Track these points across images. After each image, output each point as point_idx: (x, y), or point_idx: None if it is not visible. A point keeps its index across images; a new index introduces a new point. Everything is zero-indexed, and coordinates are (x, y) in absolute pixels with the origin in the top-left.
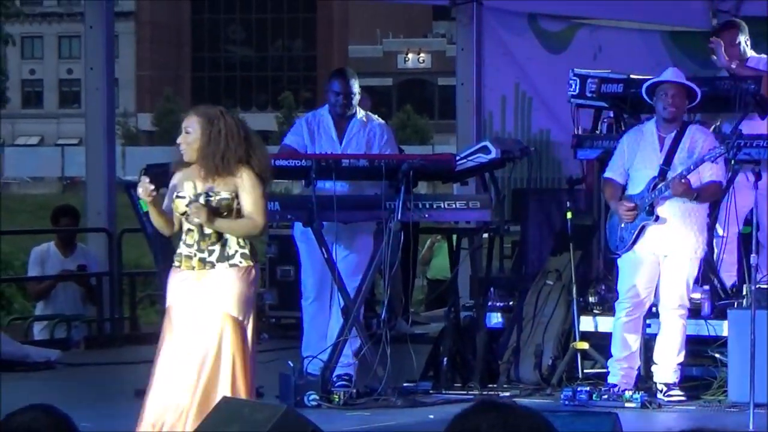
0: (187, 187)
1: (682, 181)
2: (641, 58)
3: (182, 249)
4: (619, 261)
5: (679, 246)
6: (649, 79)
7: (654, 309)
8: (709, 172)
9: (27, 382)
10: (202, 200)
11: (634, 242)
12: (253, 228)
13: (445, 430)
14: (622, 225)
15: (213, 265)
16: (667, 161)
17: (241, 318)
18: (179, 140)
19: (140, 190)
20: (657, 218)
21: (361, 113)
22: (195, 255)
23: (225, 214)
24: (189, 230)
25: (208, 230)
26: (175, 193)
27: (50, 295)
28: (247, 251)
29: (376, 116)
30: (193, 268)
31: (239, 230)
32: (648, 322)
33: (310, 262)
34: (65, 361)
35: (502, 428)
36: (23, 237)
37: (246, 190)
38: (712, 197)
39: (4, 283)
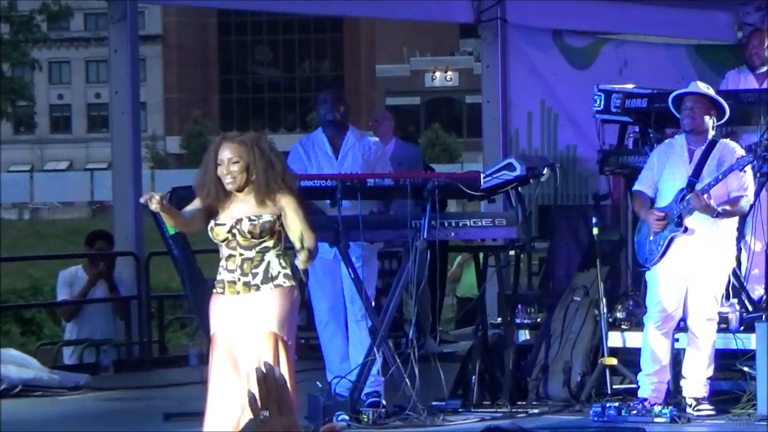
0: (225, 216)
1: (703, 196)
2: (666, 73)
3: (224, 275)
4: (648, 274)
5: (708, 259)
6: (672, 92)
7: (682, 323)
8: (736, 185)
9: (56, 407)
10: (244, 224)
11: (663, 255)
12: (315, 239)
13: None
14: (651, 238)
15: (258, 288)
16: (696, 173)
17: (285, 336)
18: (223, 171)
19: (144, 198)
20: (686, 230)
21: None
22: (239, 279)
23: (267, 237)
24: (230, 255)
25: (250, 254)
26: (214, 221)
27: (80, 315)
28: (288, 271)
29: (371, 134)
30: (238, 292)
31: (315, 246)
32: (676, 336)
33: (320, 286)
34: (94, 385)
35: None
36: (53, 262)
37: (294, 210)
38: (738, 213)
39: (35, 308)
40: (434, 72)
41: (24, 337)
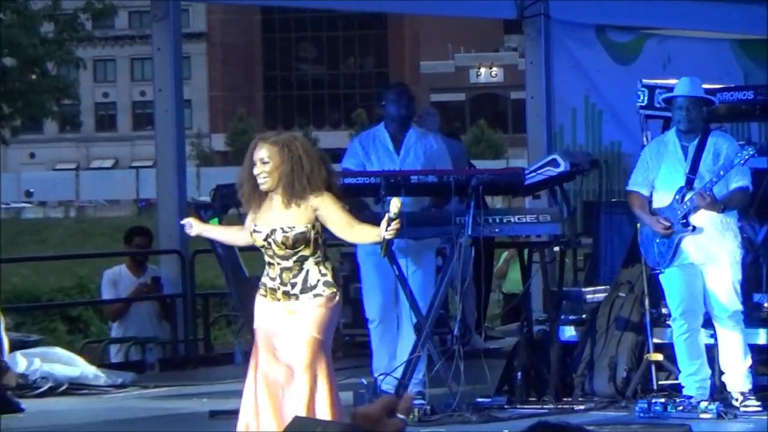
0: (262, 220)
1: (707, 194)
2: (710, 68)
3: (266, 280)
4: (662, 277)
5: (718, 253)
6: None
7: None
8: (736, 178)
9: (102, 405)
10: (278, 235)
11: (674, 256)
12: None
13: None
14: (658, 240)
15: (297, 297)
16: (693, 170)
17: (324, 341)
18: (256, 171)
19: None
20: (694, 229)
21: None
22: (279, 288)
23: (302, 246)
24: (270, 263)
25: (287, 263)
26: (253, 228)
27: (126, 315)
28: (329, 278)
29: (433, 133)
30: (279, 300)
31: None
32: (707, 332)
33: (375, 282)
34: (140, 383)
35: None
36: (99, 260)
37: (331, 208)
38: (740, 204)
39: (81, 306)
40: (479, 68)
41: (70, 335)
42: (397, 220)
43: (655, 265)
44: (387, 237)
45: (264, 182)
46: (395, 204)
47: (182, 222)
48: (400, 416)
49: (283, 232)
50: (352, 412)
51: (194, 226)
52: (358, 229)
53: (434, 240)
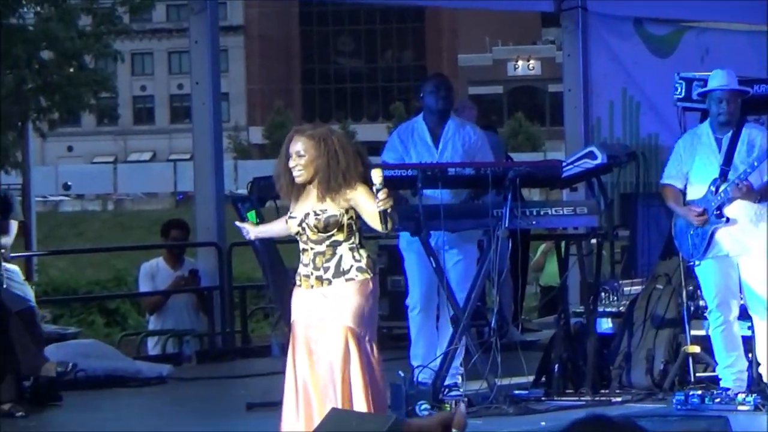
0: (298, 208)
1: (743, 184)
2: (749, 60)
3: (300, 268)
4: (698, 270)
5: (753, 244)
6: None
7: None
8: None
9: (139, 397)
10: (310, 219)
11: (708, 248)
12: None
13: None
14: (691, 232)
15: (330, 282)
16: (727, 161)
17: (360, 331)
18: (292, 164)
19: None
20: (727, 220)
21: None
22: (312, 274)
23: (335, 230)
24: (304, 250)
25: (321, 248)
26: (289, 215)
27: (163, 308)
28: (363, 264)
29: (471, 124)
30: (312, 286)
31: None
32: (743, 324)
33: (417, 272)
34: (177, 375)
35: None
36: (137, 253)
37: (366, 200)
38: None
39: (118, 299)
40: (516, 61)
41: (108, 327)
42: (384, 190)
43: (689, 257)
44: (380, 208)
45: (299, 175)
46: (376, 174)
47: (239, 225)
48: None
49: (316, 215)
50: (406, 425)
51: (251, 231)
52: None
53: (476, 232)
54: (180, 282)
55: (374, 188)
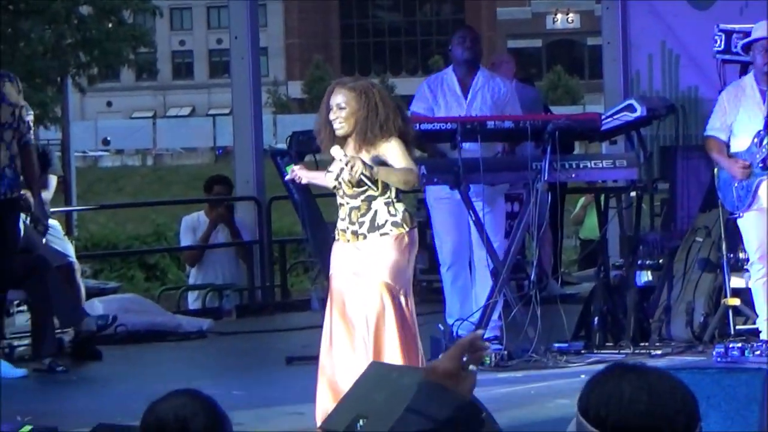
0: (336, 162)
1: None
2: None
3: (338, 223)
4: (741, 222)
5: None
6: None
7: None
8: None
9: (180, 352)
10: (345, 173)
11: (752, 200)
12: (407, 174)
13: (584, 397)
14: (735, 184)
15: (365, 236)
16: None
17: (396, 285)
18: (332, 116)
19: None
20: None
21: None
22: (348, 228)
23: (368, 186)
24: (340, 204)
25: (356, 203)
26: (328, 169)
27: (203, 261)
28: (398, 219)
29: (502, 76)
30: (348, 240)
31: (397, 177)
32: None
33: (447, 226)
34: (217, 330)
35: (647, 392)
36: (177, 207)
37: (396, 154)
38: None
39: (158, 253)
40: (555, 14)
41: (148, 282)
42: (348, 163)
43: (733, 209)
44: (349, 177)
45: (340, 127)
46: (336, 150)
47: (289, 173)
48: (472, 368)
49: (350, 170)
50: (426, 369)
51: (300, 173)
52: (401, 168)
53: (504, 185)
54: (216, 218)
55: (340, 162)
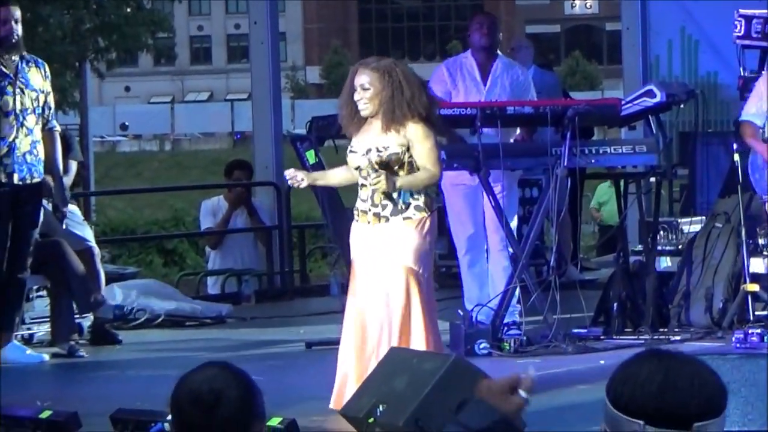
0: (357, 143)
1: None
2: None
3: (358, 203)
4: None
5: None
6: None
7: None
8: None
9: (199, 337)
10: (373, 155)
11: None
12: (430, 178)
13: (610, 378)
14: None
15: (387, 219)
16: None
17: (419, 269)
18: (357, 97)
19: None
20: None
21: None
22: (369, 210)
23: (396, 168)
24: (362, 185)
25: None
26: (349, 149)
27: (223, 245)
28: (420, 203)
29: (520, 64)
30: (369, 222)
31: (420, 184)
32: None
33: (464, 213)
34: (236, 315)
35: (661, 372)
36: (195, 192)
37: (419, 140)
38: None
39: (176, 239)
40: (574, 0)
41: (166, 267)
42: (378, 173)
43: (763, 193)
44: (373, 188)
45: (365, 108)
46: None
47: (287, 176)
48: (523, 394)
49: (378, 152)
50: (478, 386)
51: (304, 178)
52: (421, 171)
53: (518, 171)
54: (234, 199)
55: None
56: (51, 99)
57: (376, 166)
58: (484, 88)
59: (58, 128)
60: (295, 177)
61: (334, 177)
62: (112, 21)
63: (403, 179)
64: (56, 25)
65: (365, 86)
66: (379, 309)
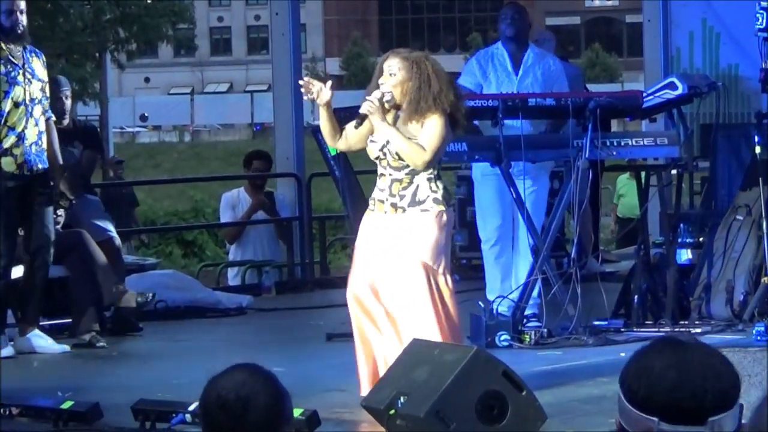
0: (378, 132)
1: None
2: None
3: (376, 193)
4: None
5: None
6: None
7: None
8: None
9: (219, 328)
10: (393, 146)
11: None
12: (417, 155)
13: (623, 370)
14: None
15: (404, 210)
16: None
17: (434, 264)
18: (381, 80)
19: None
20: None
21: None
22: (387, 199)
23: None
24: (381, 175)
25: (399, 175)
26: (370, 138)
27: (243, 237)
28: (438, 195)
29: (551, 55)
30: (386, 212)
31: (406, 148)
32: None
33: (492, 203)
34: (256, 306)
35: (675, 367)
36: (214, 184)
37: (431, 125)
38: None
39: (196, 230)
40: None
41: (185, 258)
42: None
43: None
44: (362, 110)
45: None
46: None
47: (301, 82)
48: None
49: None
50: None
51: (321, 90)
52: (414, 144)
53: (549, 162)
54: (257, 205)
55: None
56: (47, 89)
57: (396, 156)
58: (516, 78)
59: (53, 117)
60: (309, 85)
61: (334, 125)
62: (132, 12)
63: (392, 128)
64: (77, 16)
65: (392, 72)
66: (394, 303)
